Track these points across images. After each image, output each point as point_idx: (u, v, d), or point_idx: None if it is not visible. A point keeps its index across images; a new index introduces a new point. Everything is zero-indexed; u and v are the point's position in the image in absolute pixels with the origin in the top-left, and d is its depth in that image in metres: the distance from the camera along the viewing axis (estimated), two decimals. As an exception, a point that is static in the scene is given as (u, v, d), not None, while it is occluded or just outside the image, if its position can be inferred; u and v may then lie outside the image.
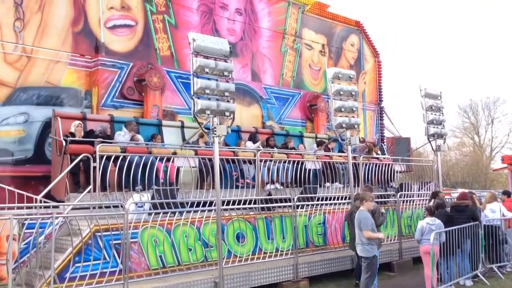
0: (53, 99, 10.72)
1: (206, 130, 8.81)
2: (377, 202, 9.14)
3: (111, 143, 9.37)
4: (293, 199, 9.53)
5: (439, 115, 12.44)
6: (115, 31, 11.97)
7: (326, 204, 10.45)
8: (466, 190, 11.41)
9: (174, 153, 9.79)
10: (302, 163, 11.38)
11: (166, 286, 7.40)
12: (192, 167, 9.65)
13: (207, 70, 8.11)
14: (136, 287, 7.18)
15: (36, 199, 7.76)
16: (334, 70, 10.82)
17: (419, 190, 13.16)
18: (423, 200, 12.37)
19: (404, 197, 12.10)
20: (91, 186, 8.10)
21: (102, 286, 7.08)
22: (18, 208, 7.35)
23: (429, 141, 12.49)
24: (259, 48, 15.26)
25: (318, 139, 13.90)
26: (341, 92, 10.54)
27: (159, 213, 8.06)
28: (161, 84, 11.81)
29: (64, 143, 8.78)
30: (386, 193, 12.40)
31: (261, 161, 10.49)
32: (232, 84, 8.50)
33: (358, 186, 11.64)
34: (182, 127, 11.69)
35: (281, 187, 11.09)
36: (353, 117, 10.65)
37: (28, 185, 9.51)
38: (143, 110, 11.70)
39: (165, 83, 12.10)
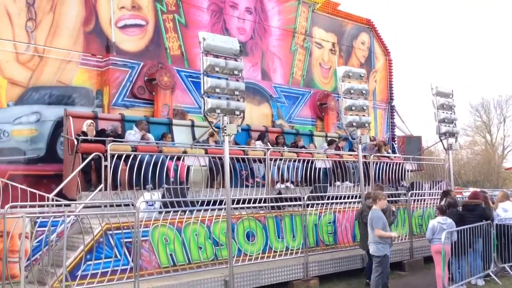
0: (65, 99, 10.79)
1: (216, 129, 8.84)
2: (388, 201, 9.11)
3: (122, 142, 9.45)
4: (303, 198, 9.52)
5: (451, 113, 12.38)
6: (126, 31, 12.03)
7: (337, 203, 10.43)
8: (478, 189, 11.31)
9: (185, 152, 9.82)
10: (312, 162, 11.36)
11: (177, 284, 7.43)
12: (202, 166, 9.68)
13: (217, 69, 8.14)
14: (147, 285, 7.21)
15: (48, 197, 7.80)
16: (345, 69, 10.81)
17: (430, 189, 13.10)
18: (435, 199, 12.30)
19: (415, 196, 12.06)
20: (102, 185, 8.14)
21: (113, 284, 7.12)
22: (31, 206, 7.40)
23: (441, 140, 12.42)
24: (269, 47, 15.24)
25: (328, 138, 13.88)
26: (352, 91, 10.52)
27: (169, 212, 8.09)
28: (171, 83, 11.84)
29: (75, 142, 8.87)
30: (397, 192, 12.35)
31: (271, 160, 10.47)
32: (242, 83, 8.52)
33: (368, 185, 11.62)
34: (193, 126, 11.73)
35: (291, 186, 11.08)
36: (363, 115, 10.61)
37: (40, 183, 9.60)
38: (153, 109, 11.74)
39: (175, 82, 12.13)
